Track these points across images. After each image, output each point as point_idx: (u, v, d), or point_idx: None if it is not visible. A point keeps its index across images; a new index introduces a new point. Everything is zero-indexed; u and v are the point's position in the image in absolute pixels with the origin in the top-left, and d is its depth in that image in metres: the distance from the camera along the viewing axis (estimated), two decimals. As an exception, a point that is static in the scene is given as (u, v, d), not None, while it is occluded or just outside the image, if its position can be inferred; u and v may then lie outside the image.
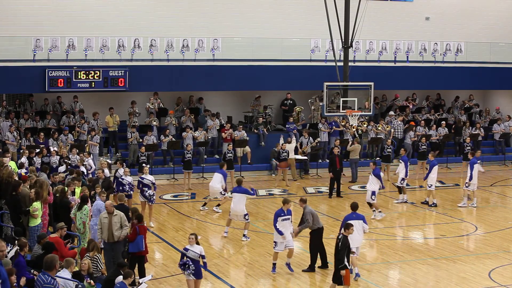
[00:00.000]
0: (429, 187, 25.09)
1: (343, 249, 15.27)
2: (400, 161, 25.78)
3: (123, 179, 21.65)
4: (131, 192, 21.73)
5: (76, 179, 20.24)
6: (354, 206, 17.65)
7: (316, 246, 17.91)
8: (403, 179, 25.19)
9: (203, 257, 15.24)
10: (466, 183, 24.88)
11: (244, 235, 20.65)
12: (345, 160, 29.17)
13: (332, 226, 22.06)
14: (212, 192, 23.72)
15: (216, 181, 23.37)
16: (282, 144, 29.04)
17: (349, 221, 16.42)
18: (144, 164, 22.67)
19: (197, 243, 15.22)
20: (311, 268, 17.90)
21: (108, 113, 30.03)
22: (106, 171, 22.50)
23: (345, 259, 15.26)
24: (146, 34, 30.91)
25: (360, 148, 29.68)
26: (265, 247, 19.98)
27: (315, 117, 32.89)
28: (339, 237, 15.49)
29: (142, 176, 21.96)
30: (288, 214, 17.69)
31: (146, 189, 21.59)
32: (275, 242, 17.65)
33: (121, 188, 21.48)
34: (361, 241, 17.88)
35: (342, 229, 15.90)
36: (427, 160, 30.45)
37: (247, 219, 20.62)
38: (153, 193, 21.85)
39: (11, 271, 12.29)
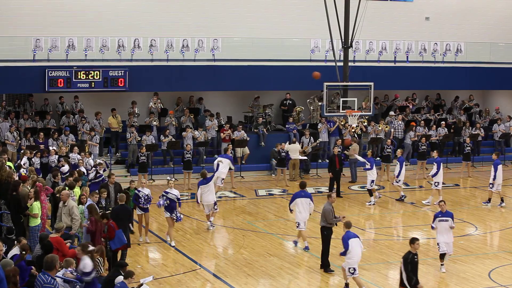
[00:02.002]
0: (397, 182, 25.74)
1: (406, 264, 14.80)
2: (434, 162, 25.91)
3: (139, 191, 20.08)
4: (148, 205, 20.12)
5: (76, 179, 20.30)
6: (303, 185, 19.71)
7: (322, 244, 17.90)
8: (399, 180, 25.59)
9: None
10: (397, 180, 25.79)
11: (210, 222, 21.75)
12: (345, 160, 29.19)
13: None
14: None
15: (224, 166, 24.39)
16: (282, 144, 29.09)
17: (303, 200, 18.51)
18: (169, 178, 20.89)
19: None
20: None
21: (109, 114, 30.06)
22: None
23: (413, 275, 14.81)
24: (146, 34, 30.92)
25: (358, 148, 29.67)
26: (265, 247, 20.00)
27: (315, 117, 32.90)
28: (408, 255, 14.86)
29: (167, 190, 19.94)
30: (355, 237, 16.50)
31: (170, 203, 19.73)
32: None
33: (136, 200, 20.00)
34: (307, 217, 19.52)
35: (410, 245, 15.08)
36: (426, 160, 30.56)
37: (216, 209, 21.79)
38: (178, 210, 20.16)
39: (15, 271, 12.33)
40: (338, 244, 17.52)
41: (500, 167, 25.06)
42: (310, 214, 19.69)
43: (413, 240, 14.87)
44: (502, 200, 25.41)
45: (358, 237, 16.49)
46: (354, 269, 16.24)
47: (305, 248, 19.60)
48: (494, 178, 24.98)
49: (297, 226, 19.72)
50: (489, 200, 25.48)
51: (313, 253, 19.37)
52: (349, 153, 28.95)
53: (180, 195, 26.38)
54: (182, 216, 20.51)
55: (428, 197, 25.72)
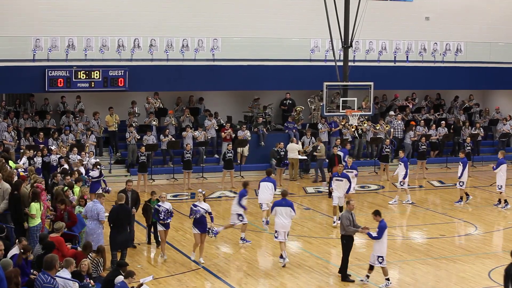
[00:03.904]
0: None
1: (507, 277, 13.07)
2: (400, 162, 25.70)
3: (159, 205, 18.46)
4: (168, 221, 18.49)
5: (77, 179, 20.32)
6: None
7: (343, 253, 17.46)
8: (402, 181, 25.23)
9: None
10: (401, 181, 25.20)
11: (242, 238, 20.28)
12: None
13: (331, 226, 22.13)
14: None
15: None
16: (281, 143, 29.13)
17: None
18: (200, 190, 18.95)
19: None
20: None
21: (108, 113, 30.06)
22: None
23: None
24: (146, 34, 30.92)
25: (325, 148, 29.55)
26: (264, 247, 20.00)
27: (315, 117, 32.90)
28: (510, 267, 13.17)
29: (195, 203, 18.43)
30: (284, 205, 18.20)
31: (199, 217, 18.20)
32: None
33: (156, 216, 18.48)
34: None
35: None
36: (427, 160, 30.57)
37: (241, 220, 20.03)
38: (211, 225, 18.48)
39: (16, 272, 12.34)
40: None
41: (467, 165, 25.37)
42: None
43: None
44: (463, 198, 25.55)
45: (290, 207, 17.97)
46: (277, 232, 18.05)
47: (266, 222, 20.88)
48: (461, 176, 25.17)
49: (260, 207, 21.22)
50: (461, 198, 25.57)
51: (313, 252, 19.39)
52: (318, 154, 28.99)
53: (180, 194, 26.71)
54: (216, 230, 18.71)
55: (395, 196, 25.77)
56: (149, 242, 19.95)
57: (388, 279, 16.78)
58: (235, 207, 19.98)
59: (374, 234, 16.64)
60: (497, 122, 35.44)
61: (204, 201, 18.44)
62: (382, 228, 16.58)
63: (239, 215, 19.91)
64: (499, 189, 25.01)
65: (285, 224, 18.10)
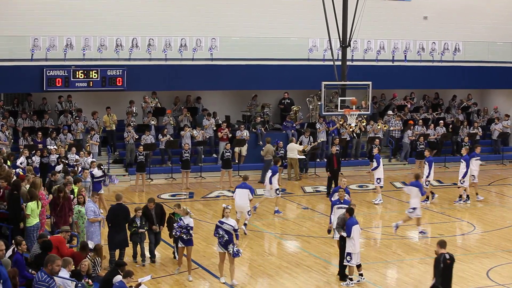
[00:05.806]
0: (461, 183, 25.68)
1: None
2: (374, 159, 25.99)
3: (181, 219, 17.10)
4: (188, 237, 17.05)
5: (76, 180, 20.33)
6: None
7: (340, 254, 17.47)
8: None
9: None
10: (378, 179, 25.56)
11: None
12: (344, 159, 29.16)
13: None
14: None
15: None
16: (279, 142, 29.11)
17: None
18: (225, 205, 17.07)
19: None
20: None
21: (106, 113, 30.04)
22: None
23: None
24: (144, 33, 30.88)
25: (272, 149, 29.36)
26: (263, 246, 20.02)
27: (313, 116, 32.88)
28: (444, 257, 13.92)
29: (222, 220, 16.71)
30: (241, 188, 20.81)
31: (226, 236, 16.58)
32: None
33: (173, 232, 17.27)
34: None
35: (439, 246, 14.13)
36: (425, 159, 30.58)
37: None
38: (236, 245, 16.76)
39: (14, 272, 12.34)
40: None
41: (432, 164, 25.43)
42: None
43: (442, 244, 14.07)
44: (432, 196, 25.66)
45: (248, 189, 20.64)
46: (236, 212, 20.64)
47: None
48: (428, 176, 25.16)
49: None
50: (428, 198, 25.51)
51: (312, 252, 19.39)
52: (262, 153, 28.91)
53: (178, 194, 26.70)
54: (241, 250, 17.27)
55: (377, 196, 25.80)
56: (176, 257, 18.75)
57: (351, 279, 16.79)
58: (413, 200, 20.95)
59: (345, 234, 16.80)
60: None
61: (230, 217, 16.93)
62: (348, 226, 16.74)
63: (414, 208, 21.00)
64: (462, 184, 25.28)
65: (242, 205, 20.77)
